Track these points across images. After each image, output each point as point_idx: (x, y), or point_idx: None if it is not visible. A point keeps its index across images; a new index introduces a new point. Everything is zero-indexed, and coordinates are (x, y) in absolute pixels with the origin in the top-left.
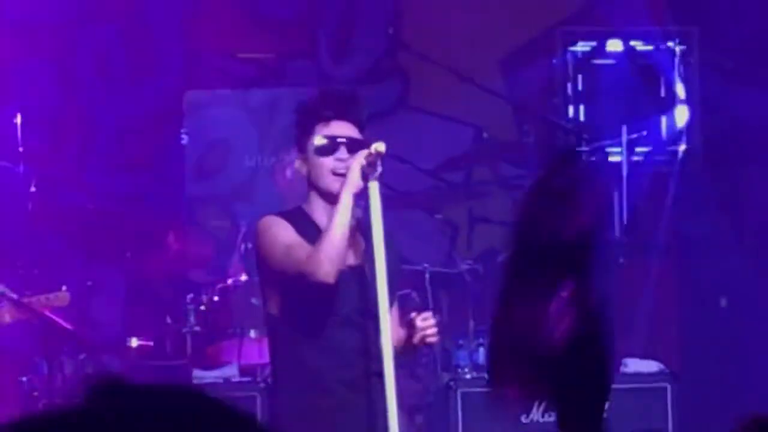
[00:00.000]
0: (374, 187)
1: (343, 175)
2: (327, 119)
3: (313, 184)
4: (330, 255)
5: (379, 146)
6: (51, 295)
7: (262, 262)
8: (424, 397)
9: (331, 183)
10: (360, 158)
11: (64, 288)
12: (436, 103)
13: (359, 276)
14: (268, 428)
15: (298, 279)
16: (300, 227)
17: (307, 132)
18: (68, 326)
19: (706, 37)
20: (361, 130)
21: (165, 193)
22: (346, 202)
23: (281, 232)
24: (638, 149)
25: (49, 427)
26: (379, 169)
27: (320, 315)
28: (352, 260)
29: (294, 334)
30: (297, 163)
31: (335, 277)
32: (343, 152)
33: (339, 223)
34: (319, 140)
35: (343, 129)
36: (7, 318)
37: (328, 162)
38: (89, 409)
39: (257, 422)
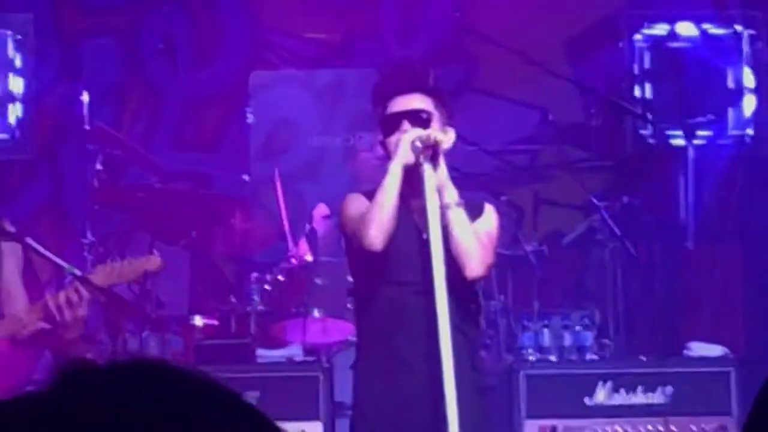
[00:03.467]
0: (428, 170)
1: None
2: (388, 97)
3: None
4: (375, 222)
5: (437, 134)
6: (143, 259)
7: (343, 238)
8: (487, 379)
9: None
10: (412, 133)
11: (156, 252)
12: (502, 85)
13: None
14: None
15: (369, 252)
16: None
17: (378, 115)
18: (132, 303)
19: None
20: (433, 96)
21: (230, 172)
22: (393, 173)
23: (352, 206)
24: (700, 132)
25: (12, 414)
26: (440, 154)
27: (391, 284)
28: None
29: (369, 304)
30: (379, 147)
31: (383, 244)
32: (406, 126)
33: (385, 192)
34: (380, 121)
35: (407, 102)
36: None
37: (393, 140)
38: (56, 395)
39: (241, 398)
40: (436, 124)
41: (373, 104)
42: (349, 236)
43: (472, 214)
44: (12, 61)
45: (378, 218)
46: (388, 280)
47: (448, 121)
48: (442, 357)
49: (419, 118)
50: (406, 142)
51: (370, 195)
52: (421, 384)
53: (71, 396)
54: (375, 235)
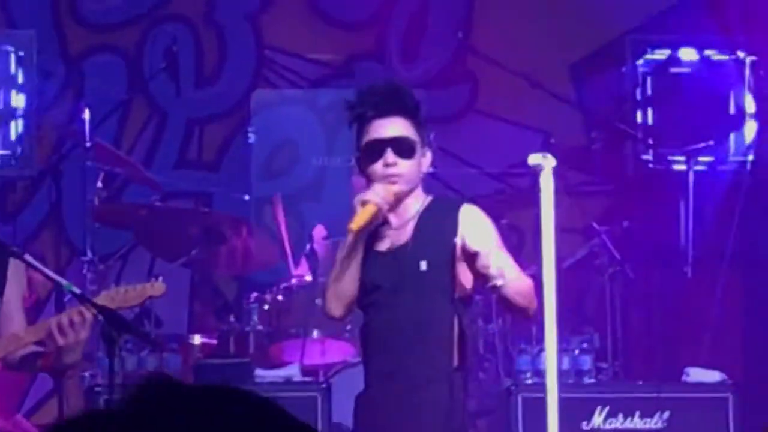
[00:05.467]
0: (544, 178)
1: (394, 177)
2: (369, 119)
3: None
4: (334, 293)
5: (384, 193)
6: (147, 285)
7: None
8: (485, 402)
9: None
10: (361, 199)
11: (161, 278)
12: (505, 108)
13: (400, 255)
14: None
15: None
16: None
17: (358, 135)
18: (131, 322)
19: None
20: (414, 121)
21: (231, 191)
22: (349, 241)
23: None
24: (702, 158)
25: (96, 427)
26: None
27: (368, 313)
28: (402, 239)
29: (364, 335)
30: (355, 167)
31: (342, 312)
32: (390, 155)
33: (342, 264)
34: (362, 147)
35: (388, 127)
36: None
37: (377, 169)
38: (138, 409)
39: (311, 428)
40: (419, 152)
41: (350, 123)
42: None
43: (445, 215)
44: (14, 77)
45: (336, 290)
46: (366, 309)
47: (427, 142)
48: (546, 365)
49: (404, 147)
50: (357, 206)
51: None
52: (404, 408)
53: (149, 412)
54: (335, 307)
